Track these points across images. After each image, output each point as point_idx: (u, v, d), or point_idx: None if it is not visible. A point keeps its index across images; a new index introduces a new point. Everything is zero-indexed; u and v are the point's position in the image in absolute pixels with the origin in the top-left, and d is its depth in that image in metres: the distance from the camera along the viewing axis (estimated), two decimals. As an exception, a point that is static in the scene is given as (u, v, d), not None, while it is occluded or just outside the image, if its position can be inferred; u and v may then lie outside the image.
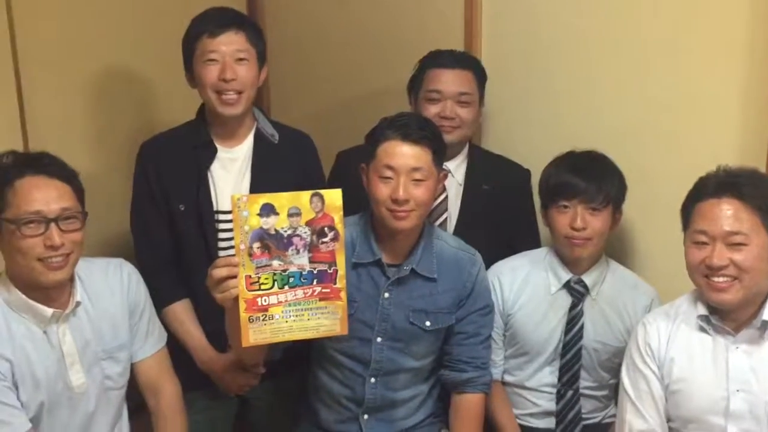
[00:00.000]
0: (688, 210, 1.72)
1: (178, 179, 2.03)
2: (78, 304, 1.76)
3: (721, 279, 1.64)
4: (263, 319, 1.61)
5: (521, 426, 2.07)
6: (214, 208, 2.04)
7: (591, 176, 1.96)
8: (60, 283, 1.70)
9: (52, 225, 1.65)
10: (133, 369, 1.89)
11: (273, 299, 1.61)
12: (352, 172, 1.93)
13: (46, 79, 2.22)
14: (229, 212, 1.98)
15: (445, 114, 2.13)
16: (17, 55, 2.13)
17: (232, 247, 1.96)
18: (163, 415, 1.91)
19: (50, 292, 1.71)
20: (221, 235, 2.04)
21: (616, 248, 2.18)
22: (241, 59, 1.99)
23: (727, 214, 1.63)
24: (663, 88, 2.07)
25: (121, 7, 2.43)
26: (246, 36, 2.00)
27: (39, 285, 1.68)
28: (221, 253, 2.02)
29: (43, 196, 1.65)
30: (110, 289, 1.84)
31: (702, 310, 1.72)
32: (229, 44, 1.97)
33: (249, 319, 1.60)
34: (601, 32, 2.17)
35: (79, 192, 1.73)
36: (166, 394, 1.92)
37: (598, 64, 2.19)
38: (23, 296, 1.69)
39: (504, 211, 2.19)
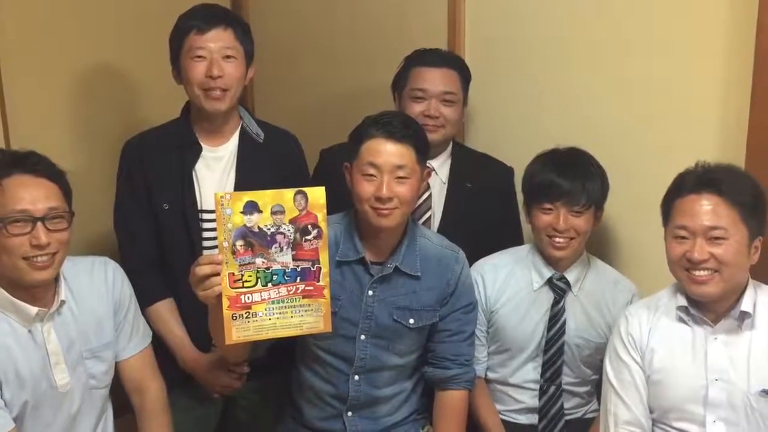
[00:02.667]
0: (668, 206, 1.75)
1: (162, 178, 2.02)
2: (62, 303, 1.76)
3: (701, 272, 1.66)
4: (246, 317, 1.62)
5: (504, 422, 2.08)
6: (199, 207, 2.04)
7: (574, 177, 1.96)
8: (45, 282, 1.70)
9: (39, 224, 1.65)
10: (117, 368, 1.89)
11: (256, 297, 1.62)
12: (336, 170, 1.93)
13: (27, 77, 2.21)
14: (214, 211, 2.00)
15: (429, 113, 2.13)
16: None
17: (216, 246, 1.98)
18: (148, 414, 1.91)
19: (35, 291, 1.70)
20: (206, 234, 2.04)
21: (599, 245, 2.20)
22: (228, 56, 1.99)
23: (706, 209, 1.66)
24: (645, 87, 2.09)
25: (104, 4, 2.42)
26: (234, 34, 2.00)
27: (24, 284, 1.67)
28: (206, 252, 2.01)
29: (30, 195, 1.65)
30: (95, 288, 1.83)
31: (681, 301, 1.75)
32: (217, 41, 1.97)
33: (232, 317, 1.60)
34: (584, 31, 2.19)
35: (66, 191, 1.73)
36: (151, 392, 1.92)
37: (581, 62, 2.20)
38: (8, 295, 1.68)
39: (487, 209, 2.20)
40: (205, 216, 2.03)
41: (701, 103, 2.00)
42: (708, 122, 1.99)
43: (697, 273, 1.67)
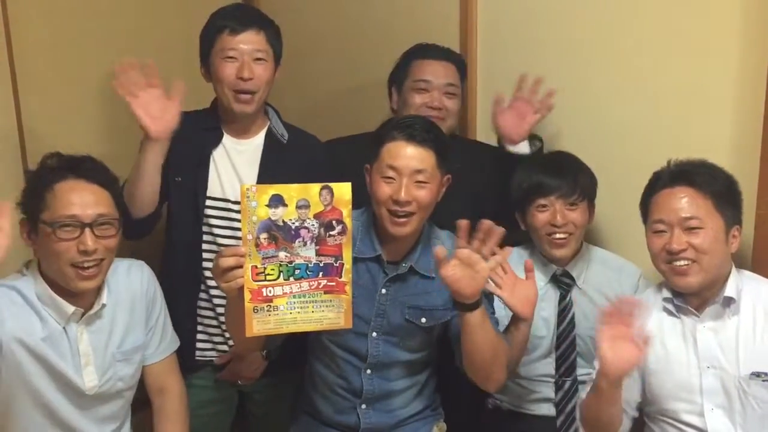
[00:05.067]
0: (645, 204, 1.84)
1: (181, 154, 2.03)
2: (103, 306, 1.78)
3: (681, 262, 1.73)
4: (267, 310, 1.62)
5: (521, 414, 2.09)
6: (208, 193, 2.05)
7: (564, 174, 2.01)
8: (90, 291, 1.73)
9: (87, 230, 1.67)
10: (142, 370, 1.90)
11: (278, 290, 1.62)
12: (337, 163, 1.95)
13: (44, 77, 2.18)
14: (221, 199, 2.04)
15: (432, 104, 2.17)
16: (12, 50, 2.10)
17: (214, 234, 2.04)
18: (167, 415, 1.93)
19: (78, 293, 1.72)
20: (206, 220, 2.05)
21: (605, 241, 2.22)
22: (259, 59, 2.00)
23: (682, 201, 1.74)
24: (656, 84, 2.10)
25: (123, 3, 2.40)
26: (266, 36, 2.02)
27: (69, 289, 1.69)
28: (205, 237, 2.05)
29: (81, 200, 1.67)
30: (131, 292, 1.85)
31: (666, 293, 1.82)
32: (249, 43, 1.99)
33: (253, 309, 1.60)
34: (595, 28, 2.20)
35: (117, 198, 1.76)
36: (172, 394, 1.94)
37: (592, 60, 2.22)
38: (49, 289, 1.70)
39: (484, 187, 2.20)
40: (210, 203, 2.05)
41: (716, 102, 2.01)
42: (723, 120, 2.01)
43: (677, 264, 1.73)
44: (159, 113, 1.93)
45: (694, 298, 1.78)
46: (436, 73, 2.20)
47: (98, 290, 1.77)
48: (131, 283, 1.85)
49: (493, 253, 1.69)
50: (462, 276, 1.66)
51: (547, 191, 1.99)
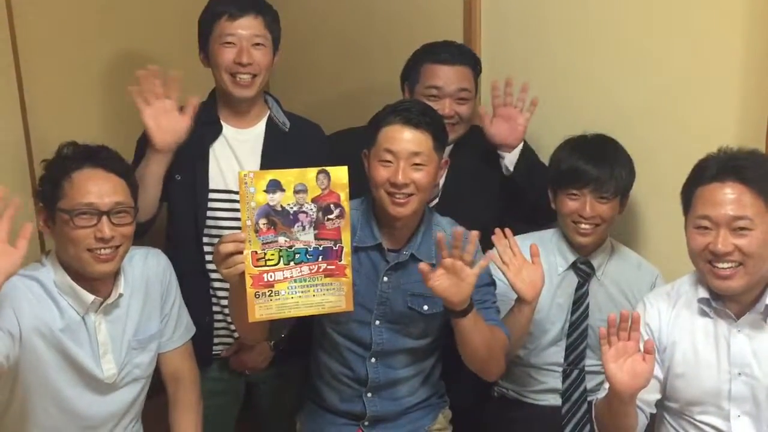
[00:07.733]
0: (688, 194, 1.69)
1: (179, 151, 2.02)
2: (120, 296, 1.80)
3: (725, 265, 1.61)
4: (269, 295, 1.63)
5: (526, 403, 2.08)
6: (210, 186, 2.06)
7: (602, 164, 1.97)
8: (107, 275, 1.75)
9: (104, 218, 1.69)
10: (158, 358, 1.92)
11: (279, 275, 1.63)
12: (343, 155, 1.93)
13: (47, 73, 2.21)
14: (225, 191, 2.04)
15: (444, 113, 2.10)
16: (17, 48, 2.13)
17: (220, 227, 2.03)
18: (182, 403, 1.96)
19: (95, 282, 1.75)
20: (211, 213, 2.05)
21: (620, 230, 2.20)
22: (257, 44, 2.01)
23: (730, 198, 1.60)
24: (664, 72, 2.09)
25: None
26: (264, 21, 2.03)
27: (86, 275, 1.72)
28: (211, 231, 2.05)
29: (98, 189, 1.70)
30: (147, 280, 1.87)
31: (703, 293, 1.70)
32: (248, 28, 2.00)
33: (255, 295, 1.62)
34: (603, 16, 2.19)
35: (133, 187, 1.79)
36: (186, 382, 1.96)
37: (600, 48, 2.21)
38: (69, 279, 1.73)
39: (491, 173, 2.20)
40: (213, 196, 2.05)
41: (722, 85, 1.99)
42: (728, 107, 1.99)
43: (720, 266, 1.61)
44: (168, 126, 1.95)
45: (734, 304, 1.66)
46: (447, 79, 2.14)
47: (115, 280, 1.79)
48: (147, 271, 1.87)
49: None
50: (449, 285, 1.68)
51: (581, 181, 1.97)
